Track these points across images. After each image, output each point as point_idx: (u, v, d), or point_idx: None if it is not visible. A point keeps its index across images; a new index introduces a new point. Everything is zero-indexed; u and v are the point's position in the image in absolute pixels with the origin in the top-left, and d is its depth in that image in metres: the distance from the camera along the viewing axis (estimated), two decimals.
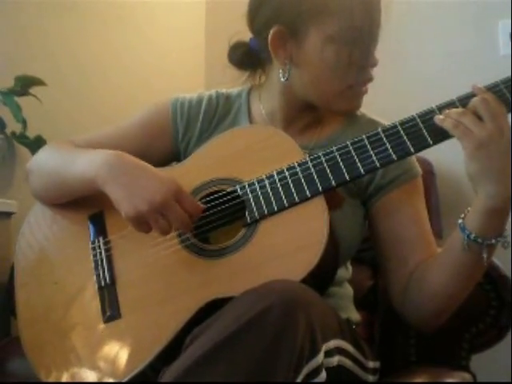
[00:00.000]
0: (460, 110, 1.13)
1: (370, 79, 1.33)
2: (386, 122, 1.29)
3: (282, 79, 1.33)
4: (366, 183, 1.35)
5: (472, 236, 1.14)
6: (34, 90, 1.95)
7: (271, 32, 1.29)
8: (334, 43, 1.27)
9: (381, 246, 1.36)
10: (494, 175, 1.11)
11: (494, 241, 1.14)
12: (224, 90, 1.50)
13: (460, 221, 1.17)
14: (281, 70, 1.33)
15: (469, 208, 1.17)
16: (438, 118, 1.14)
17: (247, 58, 1.43)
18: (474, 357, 1.48)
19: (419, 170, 1.37)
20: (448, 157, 2.13)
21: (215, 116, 1.46)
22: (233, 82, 1.46)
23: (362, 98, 1.36)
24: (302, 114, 1.40)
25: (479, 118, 1.11)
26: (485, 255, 1.15)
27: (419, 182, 1.38)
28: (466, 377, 1.40)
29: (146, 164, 1.24)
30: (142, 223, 1.18)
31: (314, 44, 1.28)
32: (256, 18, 1.35)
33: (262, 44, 1.35)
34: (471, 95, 1.15)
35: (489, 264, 1.27)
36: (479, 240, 1.14)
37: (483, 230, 1.14)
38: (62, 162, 1.35)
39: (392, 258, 1.33)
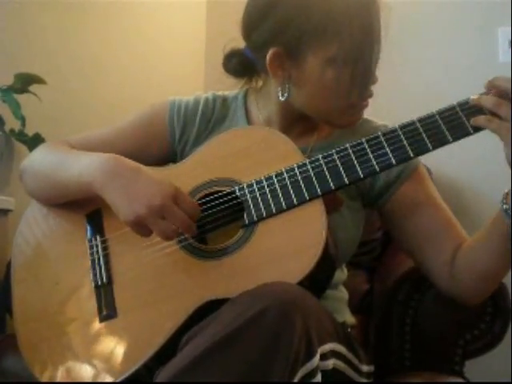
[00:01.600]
0: (494, 99, 1.13)
1: (370, 95, 1.32)
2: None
3: (281, 98, 1.32)
4: (368, 185, 1.36)
5: None
6: (33, 87, 1.95)
7: (270, 53, 1.28)
8: (334, 65, 1.25)
9: (410, 241, 1.37)
10: None
11: None
12: (221, 93, 1.50)
13: (505, 207, 1.18)
14: (279, 89, 1.32)
15: (506, 193, 1.18)
16: (474, 120, 1.15)
17: (242, 67, 1.42)
18: (469, 362, 1.48)
19: (418, 158, 1.37)
20: (446, 163, 2.15)
21: (212, 118, 1.45)
22: (233, 84, 1.46)
23: (363, 112, 1.35)
24: (300, 121, 1.40)
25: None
26: None
27: (422, 168, 1.40)
28: (460, 382, 1.40)
29: (143, 167, 1.24)
30: (142, 227, 1.17)
31: (313, 65, 1.26)
32: (253, 36, 1.33)
33: (258, 60, 1.34)
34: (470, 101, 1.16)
35: None
36: None
37: None
38: (57, 164, 1.35)
39: (427, 249, 1.34)
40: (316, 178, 1.19)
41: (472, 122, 1.15)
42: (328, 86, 1.27)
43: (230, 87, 1.47)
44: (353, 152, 1.20)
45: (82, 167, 1.26)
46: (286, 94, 1.31)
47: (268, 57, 1.28)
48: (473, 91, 1.18)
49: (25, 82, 1.93)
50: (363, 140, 1.20)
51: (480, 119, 1.14)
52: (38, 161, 1.41)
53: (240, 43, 1.40)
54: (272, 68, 1.29)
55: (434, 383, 1.38)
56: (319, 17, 1.23)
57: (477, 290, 1.31)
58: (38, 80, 1.95)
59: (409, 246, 1.39)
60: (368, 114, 1.42)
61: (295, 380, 0.97)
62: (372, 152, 1.19)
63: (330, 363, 1.12)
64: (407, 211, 1.35)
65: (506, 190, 1.19)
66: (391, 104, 2.25)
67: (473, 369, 1.52)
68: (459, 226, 1.35)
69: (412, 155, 1.17)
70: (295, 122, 1.40)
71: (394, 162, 1.17)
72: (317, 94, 1.30)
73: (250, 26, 1.33)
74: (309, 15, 1.24)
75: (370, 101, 1.35)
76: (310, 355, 1.00)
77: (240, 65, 1.42)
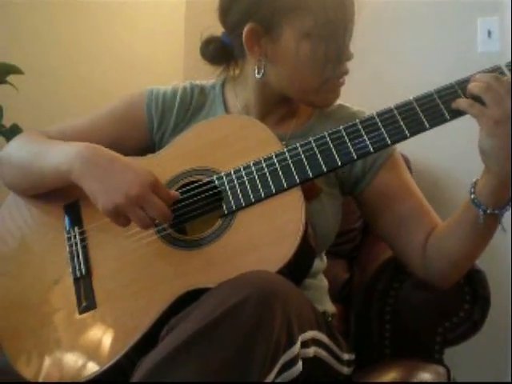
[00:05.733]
0: (482, 85, 1.14)
1: (346, 72, 1.33)
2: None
3: (257, 75, 1.32)
4: (346, 172, 1.37)
5: (489, 210, 1.18)
6: (10, 78, 1.93)
7: (245, 29, 1.29)
8: (309, 39, 1.26)
9: (384, 227, 1.39)
10: (508, 152, 1.13)
11: (509, 207, 1.20)
12: (198, 82, 1.50)
13: (473, 196, 1.20)
14: (256, 67, 1.33)
15: (474, 182, 1.21)
16: (457, 101, 1.16)
17: (220, 52, 1.42)
18: (448, 350, 1.49)
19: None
20: (424, 152, 2.16)
21: (190, 107, 1.45)
22: (210, 73, 1.46)
23: (339, 91, 1.36)
24: (278, 106, 1.40)
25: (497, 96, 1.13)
26: (500, 224, 1.21)
27: (397, 155, 1.41)
28: (440, 370, 1.40)
29: (121, 156, 1.23)
30: (119, 217, 1.17)
31: (289, 41, 1.28)
32: (229, 15, 1.34)
33: (235, 40, 1.35)
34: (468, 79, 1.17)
35: None
36: (496, 212, 1.18)
37: (498, 202, 1.18)
38: (34, 154, 1.34)
39: (400, 235, 1.36)
40: (294, 167, 1.19)
41: (453, 104, 1.16)
42: (303, 60, 1.28)
43: (209, 75, 1.47)
44: (331, 140, 1.20)
45: (60, 156, 1.26)
46: (262, 71, 1.32)
47: (244, 33, 1.29)
48: (452, 80, 1.18)
49: (2, 72, 1.91)
50: (341, 128, 1.20)
51: (461, 102, 1.15)
52: (14, 151, 1.39)
53: (218, 31, 1.40)
54: (248, 44, 1.30)
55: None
56: None
57: (447, 274, 1.33)
58: (15, 70, 1.93)
59: (383, 233, 1.40)
60: (346, 101, 1.43)
61: (276, 368, 0.97)
62: (350, 140, 1.19)
63: (311, 351, 1.12)
64: (382, 198, 1.37)
65: (474, 179, 1.21)
66: (370, 92, 2.27)
67: (453, 356, 1.54)
68: (432, 212, 1.36)
69: (390, 142, 1.18)
70: (273, 108, 1.40)
71: (371, 149, 1.18)
72: (292, 69, 1.30)
73: (226, 6, 1.34)
74: None
75: (348, 89, 1.35)
76: (290, 343, 1.00)
77: (217, 51, 1.42)
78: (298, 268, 1.17)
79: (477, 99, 1.14)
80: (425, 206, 1.37)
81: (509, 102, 1.12)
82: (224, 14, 1.35)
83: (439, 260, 1.30)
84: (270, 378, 0.97)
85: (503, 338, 2.19)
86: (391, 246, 1.41)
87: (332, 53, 1.27)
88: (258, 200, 1.19)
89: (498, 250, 2.10)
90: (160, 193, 1.18)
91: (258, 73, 1.32)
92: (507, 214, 1.20)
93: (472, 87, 1.15)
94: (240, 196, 1.20)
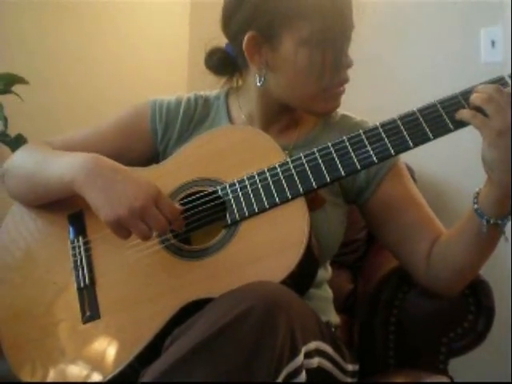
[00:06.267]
0: (484, 96, 1.14)
1: (346, 80, 1.33)
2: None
3: (258, 84, 1.33)
4: (350, 182, 1.37)
5: (492, 221, 1.18)
6: (15, 88, 1.94)
7: (245, 38, 1.29)
8: (307, 46, 1.27)
9: (389, 237, 1.39)
10: (509, 164, 1.13)
11: (510, 218, 1.20)
12: (202, 93, 1.50)
13: (476, 206, 1.20)
14: (257, 75, 1.33)
15: (477, 192, 1.21)
16: (459, 113, 1.16)
17: (223, 63, 1.43)
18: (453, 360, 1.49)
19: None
20: (428, 161, 2.16)
21: (194, 117, 1.45)
22: (214, 83, 1.46)
23: (340, 99, 1.36)
24: (280, 116, 1.41)
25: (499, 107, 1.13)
26: (503, 234, 1.21)
27: (400, 165, 1.41)
28: (444, 380, 1.40)
29: (124, 167, 1.23)
30: (121, 228, 1.17)
31: (288, 48, 1.28)
32: (230, 25, 1.34)
33: (237, 49, 1.35)
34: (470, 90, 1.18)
35: None
36: (499, 222, 1.19)
37: (500, 213, 1.18)
38: (38, 164, 1.34)
39: (405, 244, 1.36)
40: (298, 177, 1.19)
41: (456, 115, 1.16)
42: (301, 68, 1.28)
43: (213, 86, 1.47)
44: (334, 150, 1.20)
45: (63, 167, 1.26)
46: (262, 79, 1.32)
47: (244, 42, 1.30)
48: (456, 91, 1.19)
49: (7, 82, 1.92)
50: (344, 138, 1.20)
51: (464, 113, 1.16)
52: (19, 162, 1.40)
53: (222, 42, 1.41)
54: (249, 53, 1.31)
55: (418, 383, 1.38)
56: None
57: (451, 282, 1.32)
58: (20, 80, 1.94)
59: (388, 242, 1.40)
60: (349, 110, 1.44)
61: (280, 378, 0.97)
62: (353, 150, 1.19)
63: (315, 362, 1.12)
64: (386, 208, 1.37)
65: (477, 189, 1.21)
66: (373, 103, 2.26)
67: (457, 367, 1.53)
68: (437, 221, 1.36)
69: (393, 153, 1.17)
70: (276, 118, 1.41)
71: (375, 159, 1.18)
72: (292, 77, 1.31)
73: (227, 16, 1.35)
74: None
75: (352, 97, 1.36)
76: (294, 354, 1.00)
77: (221, 61, 1.43)
78: (301, 278, 1.17)
79: (479, 110, 1.14)
80: (429, 214, 1.37)
81: (509, 113, 1.12)
82: (225, 23, 1.36)
83: (443, 269, 1.30)
84: None
85: (507, 349, 2.18)
86: (396, 254, 1.40)
87: (330, 59, 1.28)
88: (262, 210, 1.19)
89: (501, 261, 2.09)
90: (162, 205, 1.18)
91: (259, 81, 1.33)
92: (509, 224, 1.20)
93: (474, 98, 1.15)
94: (244, 206, 1.20)
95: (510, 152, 1.12)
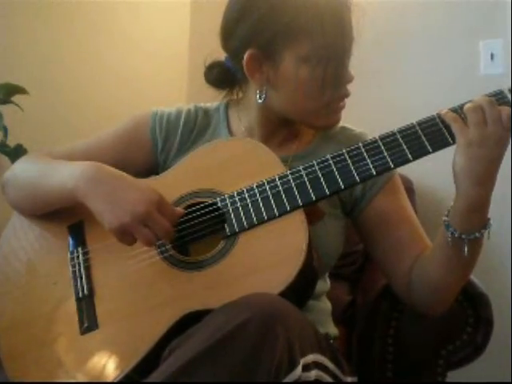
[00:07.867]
0: (473, 105, 1.14)
1: (347, 95, 1.34)
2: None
3: (260, 100, 1.33)
4: (348, 194, 1.37)
5: (456, 233, 1.17)
6: (15, 98, 1.94)
7: (246, 55, 1.29)
8: (308, 62, 1.26)
9: (376, 249, 1.38)
10: (475, 177, 1.12)
11: (478, 234, 1.16)
12: (202, 104, 1.51)
13: (445, 218, 1.19)
14: (258, 91, 1.33)
15: (451, 205, 1.19)
16: (443, 112, 1.16)
17: (223, 77, 1.43)
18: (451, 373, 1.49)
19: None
20: (428, 174, 2.16)
21: (194, 129, 1.46)
22: (215, 94, 1.46)
23: (341, 113, 1.36)
24: (280, 128, 1.41)
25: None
26: (466, 249, 1.17)
27: (397, 178, 1.40)
28: None
29: (126, 174, 1.24)
30: (125, 235, 1.17)
31: (289, 65, 1.28)
32: (230, 41, 1.34)
33: (237, 65, 1.35)
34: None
35: (467, 281, 1.30)
36: (463, 236, 1.16)
37: (466, 226, 1.16)
38: (39, 174, 1.34)
39: (390, 259, 1.35)
40: (297, 189, 1.20)
41: (442, 115, 1.16)
42: (302, 84, 1.28)
43: (213, 98, 1.48)
44: (333, 163, 1.20)
45: (65, 175, 1.26)
46: (263, 96, 1.32)
47: (245, 60, 1.29)
48: (455, 103, 1.19)
49: (7, 92, 1.92)
50: (344, 151, 1.20)
51: (448, 114, 1.16)
52: (19, 172, 1.40)
53: (222, 55, 1.41)
54: (249, 71, 1.31)
55: None
56: (291, 16, 1.25)
57: (428, 301, 1.30)
58: (20, 90, 1.94)
59: (375, 255, 1.40)
60: (349, 124, 1.44)
61: None
62: (353, 163, 1.19)
63: (313, 374, 1.11)
64: (377, 221, 1.36)
65: (452, 203, 1.19)
66: (373, 115, 2.27)
67: (456, 379, 1.53)
68: (425, 239, 1.35)
69: (392, 166, 1.18)
70: (276, 130, 1.41)
71: (374, 172, 1.18)
72: (293, 94, 1.31)
73: (227, 32, 1.34)
74: (281, 15, 1.25)
75: (351, 110, 1.36)
76: (292, 366, 1.00)
77: (221, 75, 1.43)
78: (300, 290, 1.17)
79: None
80: (417, 232, 1.35)
81: (491, 129, 1.11)
82: (225, 39, 1.35)
83: (420, 287, 1.29)
84: None
85: (506, 361, 2.17)
86: (381, 269, 1.40)
87: (331, 74, 1.27)
88: (261, 222, 1.19)
89: (499, 273, 2.09)
90: (165, 210, 1.18)
91: (260, 98, 1.33)
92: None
93: (466, 106, 1.15)
94: (243, 218, 1.20)
95: (480, 166, 1.11)
